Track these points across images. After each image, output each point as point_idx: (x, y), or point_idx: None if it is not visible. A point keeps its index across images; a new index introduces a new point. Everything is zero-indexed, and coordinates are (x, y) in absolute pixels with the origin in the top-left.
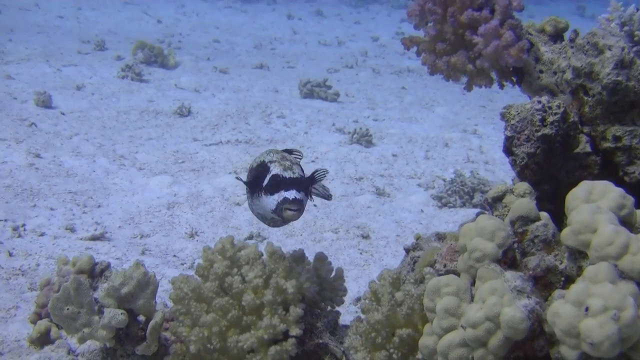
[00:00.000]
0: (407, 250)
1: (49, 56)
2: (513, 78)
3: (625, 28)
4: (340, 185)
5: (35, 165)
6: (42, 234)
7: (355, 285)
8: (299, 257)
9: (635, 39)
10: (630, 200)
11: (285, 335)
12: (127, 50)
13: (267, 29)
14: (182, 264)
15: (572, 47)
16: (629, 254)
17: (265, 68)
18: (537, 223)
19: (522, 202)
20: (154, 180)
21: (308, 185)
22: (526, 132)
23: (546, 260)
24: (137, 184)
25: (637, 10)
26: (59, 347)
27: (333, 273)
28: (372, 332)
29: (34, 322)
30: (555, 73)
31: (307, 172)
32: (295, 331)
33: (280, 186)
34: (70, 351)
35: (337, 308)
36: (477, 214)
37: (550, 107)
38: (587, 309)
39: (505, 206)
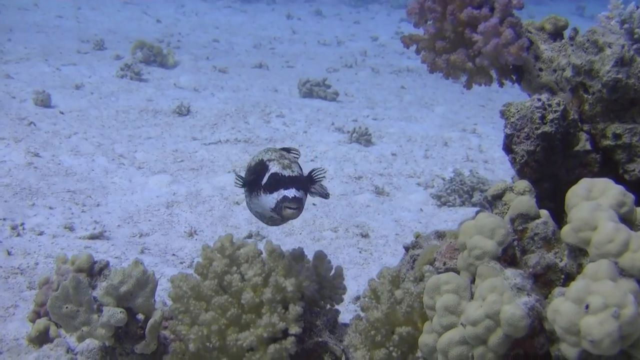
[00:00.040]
0: (407, 249)
1: (48, 55)
2: (513, 76)
3: (625, 26)
4: (340, 184)
5: (34, 164)
6: (41, 233)
7: (355, 284)
8: (298, 255)
9: (635, 36)
10: (630, 197)
11: (285, 333)
12: (126, 49)
13: (266, 29)
14: (181, 263)
15: (571, 45)
16: (629, 251)
17: (264, 67)
18: (537, 221)
19: (522, 199)
20: (153, 179)
21: (307, 183)
22: (526, 129)
23: (546, 257)
24: (136, 183)
25: (637, 8)
26: (57, 346)
27: (332, 271)
28: (372, 330)
29: (32, 321)
30: (555, 71)
31: (306, 171)
32: (294, 329)
33: (279, 184)
34: (69, 350)
35: (336, 306)
36: (477, 212)
37: (550, 105)
38: (587, 307)
39: (505, 204)
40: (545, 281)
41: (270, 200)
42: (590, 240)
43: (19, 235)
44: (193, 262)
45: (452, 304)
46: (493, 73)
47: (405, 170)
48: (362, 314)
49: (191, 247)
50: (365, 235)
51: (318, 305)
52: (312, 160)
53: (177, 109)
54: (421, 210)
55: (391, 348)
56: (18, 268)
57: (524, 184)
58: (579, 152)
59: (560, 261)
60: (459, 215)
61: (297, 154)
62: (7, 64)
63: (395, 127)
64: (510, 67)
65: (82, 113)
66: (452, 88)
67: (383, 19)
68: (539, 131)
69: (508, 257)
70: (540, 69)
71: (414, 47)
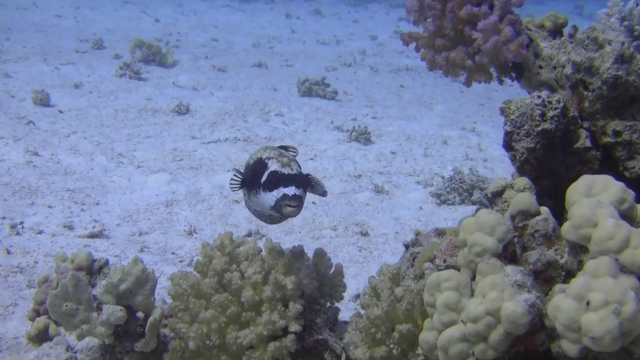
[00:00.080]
0: (407, 246)
1: (47, 55)
2: (512, 74)
3: (625, 23)
4: (339, 183)
5: (33, 163)
6: (40, 232)
7: (355, 282)
8: (298, 253)
9: (635, 33)
10: (631, 194)
11: (285, 331)
12: (125, 49)
13: (265, 28)
14: (181, 262)
15: (571, 42)
16: (629, 247)
17: (263, 66)
18: (538, 217)
19: (523, 196)
20: (152, 178)
21: (306, 181)
22: (526, 127)
23: (547, 254)
24: (135, 181)
25: (637, 5)
26: (57, 344)
27: (332, 269)
28: (372, 328)
29: (32, 319)
30: (554, 68)
31: (305, 170)
32: (294, 327)
33: (279, 182)
34: (68, 348)
35: (336, 304)
36: (477, 210)
37: (550, 102)
38: (588, 303)
39: (505, 201)
40: (546, 278)
41: (269, 198)
42: (590, 237)
43: (18, 234)
44: (192, 260)
45: (453, 301)
46: (492, 71)
47: (405, 168)
48: (362, 312)
49: (190, 245)
50: (364, 234)
51: (318, 303)
52: (311, 159)
53: (176, 108)
54: (421, 208)
55: (391, 345)
56: (17, 267)
57: (524, 181)
58: (579, 149)
59: (561, 258)
60: (458, 213)
61: (294, 152)
62: (5, 63)
63: (394, 126)
64: (510, 64)
65: (81, 112)
66: (452, 87)
67: (382, 18)
68: (539, 128)
69: (508, 254)
70: (540, 67)
71: (413, 46)
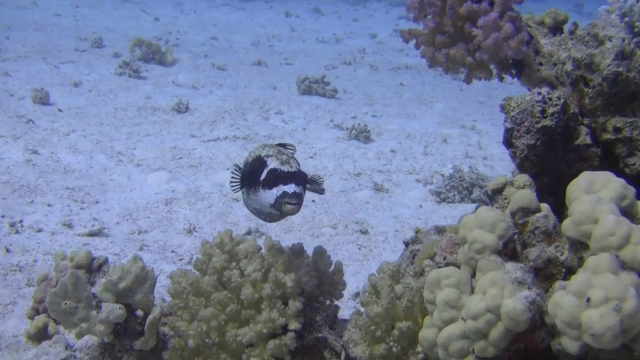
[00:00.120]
0: (407, 244)
1: (47, 53)
2: (512, 70)
3: (626, 19)
4: (339, 181)
5: (33, 161)
6: (40, 230)
7: (354, 281)
8: (297, 250)
9: (636, 30)
10: (631, 190)
11: (285, 329)
12: (124, 47)
13: (264, 27)
14: (180, 260)
15: (571, 39)
16: (630, 244)
17: (263, 65)
18: (538, 214)
19: (523, 193)
20: (151, 177)
21: (306, 179)
22: (526, 123)
23: (547, 251)
24: (134, 180)
25: (637, 1)
26: (56, 343)
27: (332, 267)
28: (372, 325)
29: (31, 318)
30: (555, 65)
31: (304, 168)
32: (294, 325)
33: (278, 180)
34: (68, 346)
35: (336, 302)
36: (477, 207)
37: (550, 99)
38: (588, 300)
39: (505, 198)
40: (546, 275)
41: (269, 196)
42: (591, 234)
43: (17, 232)
44: (192, 258)
45: (453, 298)
46: (493, 67)
47: (405, 166)
48: (362, 309)
49: (190, 244)
50: (364, 232)
51: (318, 301)
52: (311, 157)
53: (176, 107)
54: (420, 206)
55: (391, 343)
56: (17, 265)
57: (524, 178)
58: (580, 146)
59: (561, 255)
60: (458, 211)
61: (292, 150)
62: (5, 62)
63: (394, 124)
64: (510, 61)
65: (80, 110)
66: (451, 85)
67: (381, 16)
68: (540, 125)
69: (509, 250)
70: (540, 63)
71: (413, 43)
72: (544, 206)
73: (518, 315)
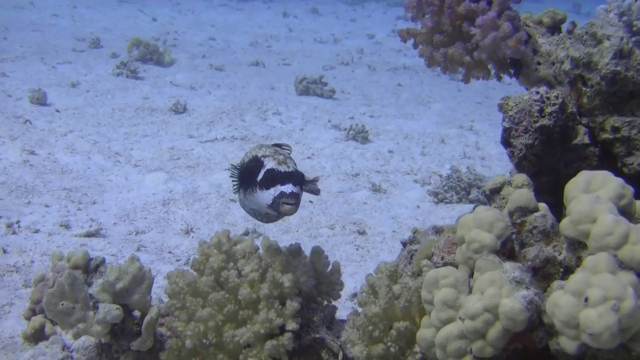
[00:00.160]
0: (404, 244)
1: (44, 54)
2: (510, 70)
3: (624, 18)
4: (337, 182)
5: (30, 162)
6: (37, 231)
7: (352, 281)
8: (295, 251)
9: (634, 28)
10: (629, 190)
11: (282, 329)
12: (122, 48)
13: (262, 27)
14: (178, 261)
15: (570, 38)
16: (628, 243)
17: (261, 65)
18: (536, 214)
19: (521, 192)
20: (149, 177)
21: (303, 179)
22: (524, 123)
23: (545, 251)
24: (132, 180)
25: (636, 0)
26: (53, 343)
27: (329, 267)
28: (370, 326)
29: (28, 319)
30: (553, 64)
31: (301, 168)
32: (292, 325)
33: (276, 180)
34: (64, 347)
35: (333, 302)
36: (474, 207)
37: (548, 98)
38: (586, 300)
39: (503, 198)
40: (544, 274)
41: (266, 196)
42: (589, 233)
43: (14, 233)
44: (189, 259)
45: (451, 298)
46: (491, 67)
47: (402, 167)
48: (360, 310)
49: (187, 244)
50: (362, 233)
51: (315, 301)
52: (308, 158)
53: (174, 107)
54: (418, 207)
55: (389, 343)
56: (13, 266)
57: (522, 178)
58: (578, 145)
59: (559, 254)
60: (456, 212)
61: (288, 150)
62: (2, 62)
63: (392, 125)
64: (508, 60)
65: (78, 111)
66: (449, 85)
67: (379, 17)
68: (538, 124)
69: (507, 250)
70: (539, 63)
71: (411, 43)
72: (542, 205)
73: (516, 315)
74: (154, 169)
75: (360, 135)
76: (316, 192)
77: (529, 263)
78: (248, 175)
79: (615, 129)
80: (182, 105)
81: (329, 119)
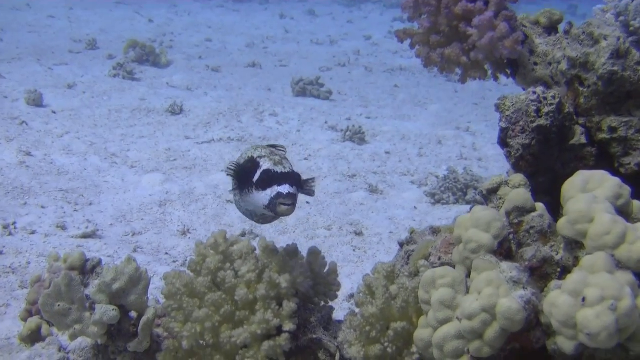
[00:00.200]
0: (401, 245)
1: (40, 55)
2: (507, 70)
3: (621, 18)
4: (333, 183)
5: (26, 163)
6: (33, 232)
7: (349, 282)
8: (292, 251)
9: (631, 29)
10: (627, 189)
11: (279, 330)
12: (118, 49)
13: (259, 28)
14: (174, 262)
15: (567, 39)
16: (626, 243)
17: (257, 67)
18: (533, 214)
19: (518, 192)
20: (145, 178)
21: (299, 179)
22: (521, 123)
23: (542, 251)
24: (128, 181)
25: (633, 0)
26: (49, 344)
27: (326, 268)
28: (367, 326)
29: (24, 320)
30: (550, 64)
31: (298, 169)
32: (289, 326)
33: (272, 181)
34: (61, 348)
35: (330, 303)
36: (472, 207)
37: (545, 98)
38: (584, 299)
39: (500, 198)
40: (542, 274)
41: (263, 197)
42: (586, 233)
43: (10, 234)
44: (186, 260)
45: (448, 298)
46: (488, 67)
47: (399, 168)
48: (357, 310)
49: (184, 245)
50: (359, 234)
51: (312, 302)
52: (305, 159)
53: (170, 108)
54: (415, 208)
55: (386, 344)
56: (10, 267)
57: (519, 178)
58: (575, 145)
59: (557, 254)
60: (452, 213)
61: (283, 151)
62: None
63: (389, 126)
64: (505, 61)
65: (74, 112)
66: (446, 87)
67: (376, 18)
68: (535, 124)
69: (504, 250)
70: (535, 63)
71: (407, 44)
72: (539, 205)
73: (513, 315)
74: (151, 170)
75: (357, 137)
76: (311, 193)
77: (527, 263)
78: (244, 176)
79: (613, 129)
80: (178, 106)
81: (325, 120)
